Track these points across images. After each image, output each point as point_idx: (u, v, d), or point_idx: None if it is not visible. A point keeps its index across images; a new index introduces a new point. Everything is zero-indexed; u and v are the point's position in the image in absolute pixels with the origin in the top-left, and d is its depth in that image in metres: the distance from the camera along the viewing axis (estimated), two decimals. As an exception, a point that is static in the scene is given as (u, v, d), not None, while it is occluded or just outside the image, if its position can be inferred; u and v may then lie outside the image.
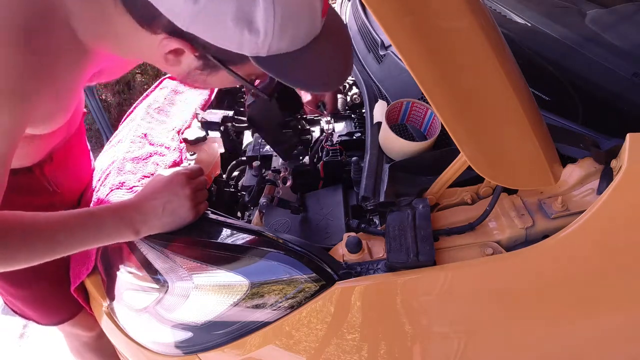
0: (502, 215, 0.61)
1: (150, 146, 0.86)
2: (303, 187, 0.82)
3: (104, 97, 2.72)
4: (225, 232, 0.68)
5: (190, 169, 0.72)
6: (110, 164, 0.92)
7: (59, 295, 0.95)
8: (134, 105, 1.10)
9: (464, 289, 0.57)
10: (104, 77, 0.77)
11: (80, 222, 0.64)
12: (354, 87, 1.10)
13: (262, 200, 0.77)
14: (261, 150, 0.96)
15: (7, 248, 0.57)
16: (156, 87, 1.14)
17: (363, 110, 1.01)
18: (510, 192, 0.64)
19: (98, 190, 0.87)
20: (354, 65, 1.04)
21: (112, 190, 0.82)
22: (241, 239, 0.66)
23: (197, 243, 0.68)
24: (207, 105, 1.09)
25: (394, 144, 0.73)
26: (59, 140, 0.81)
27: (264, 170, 0.87)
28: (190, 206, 0.67)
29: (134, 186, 0.80)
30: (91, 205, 0.84)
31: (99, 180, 0.92)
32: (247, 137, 1.07)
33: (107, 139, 1.14)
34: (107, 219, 0.65)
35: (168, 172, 0.71)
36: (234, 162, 1.06)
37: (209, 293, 0.65)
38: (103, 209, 0.67)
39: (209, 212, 0.73)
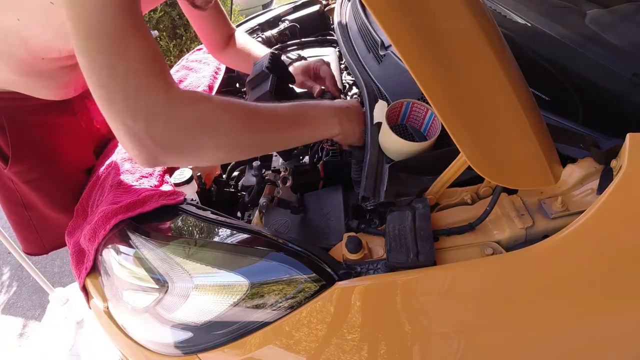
0: (502, 215, 0.61)
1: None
2: (303, 187, 0.82)
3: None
4: (225, 232, 0.68)
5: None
6: (110, 163, 0.93)
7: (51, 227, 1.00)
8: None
9: (464, 289, 0.57)
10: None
11: (293, 108, 0.69)
12: (354, 87, 1.10)
13: (262, 200, 0.77)
14: None
15: (229, 126, 0.59)
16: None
17: (363, 110, 1.01)
18: (510, 192, 0.64)
19: (98, 191, 0.87)
20: (354, 65, 1.04)
21: (112, 189, 0.82)
22: (241, 239, 0.66)
23: (197, 243, 0.68)
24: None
25: (394, 144, 0.73)
26: None
27: (264, 170, 0.87)
28: (361, 134, 0.79)
29: (132, 185, 0.80)
30: (93, 206, 0.84)
31: (99, 180, 0.92)
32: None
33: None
34: (317, 109, 0.72)
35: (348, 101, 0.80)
36: (233, 162, 1.07)
37: (209, 293, 0.65)
38: (305, 103, 0.73)
39: (210, 211, 0.73)
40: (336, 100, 0.80)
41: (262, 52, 1.08)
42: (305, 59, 1.10)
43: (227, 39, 1.09)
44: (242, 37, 1.11)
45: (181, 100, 0.55)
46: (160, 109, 0.54)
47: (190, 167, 0.88)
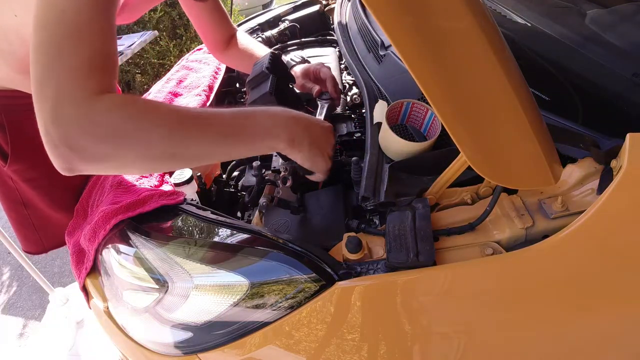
0: (502, 215, 0.61)
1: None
2: (303, 187, 0.82)
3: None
4: (225, 232, 0.68)
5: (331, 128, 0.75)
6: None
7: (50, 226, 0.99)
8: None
9: (464, 289, 0.57)
10: (125, 14, 0.80)
11: (235, 116, 0.62)
12: (354, 87, 1.10)
13: (262, 200, 0.77)
14: None
15: (151, 135, 0.54)
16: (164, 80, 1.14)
17: (363, 110, 1.01)
18: (510, 192, 0.64)
19: (98, 191, 0.87)
20: (354, 65, 1.04)
21: (112, 189, 0.82)
22: (241, 239, 0.66)
23: (197, 243, 0.68)
24: (207, 105, 1.09)
25: (394, 144, 0.73)
26: None
27: (264, 170, 0.87)
28: (328, 162, 0.73)
29: (132, 185, 0.80)
30: (93, 205, 0.84)
31: (99, 180, 0.92)
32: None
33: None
34: (262, 118, 0.64)
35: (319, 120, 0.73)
36: (233, 162, 1.06)
37: (209, 293, 0.65)
38: (256, 109, 0.66)
39: (210, 211, 0.73)
40: (293, 112, 0.69)
41: (264, 52, 1.08)
42: (308, 61, 1.10)
43: (229, 39, 1.09)
44: (244, 38, 1.11)
45: (102, 107, 0.52)
46: (78, 115, 0.51)
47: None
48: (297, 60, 1.08)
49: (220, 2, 1.05)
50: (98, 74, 0.53)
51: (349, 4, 1.39)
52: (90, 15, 0.53)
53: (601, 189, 0.57)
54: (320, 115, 0.90)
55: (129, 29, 2.82)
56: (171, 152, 0.57)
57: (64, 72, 0.51)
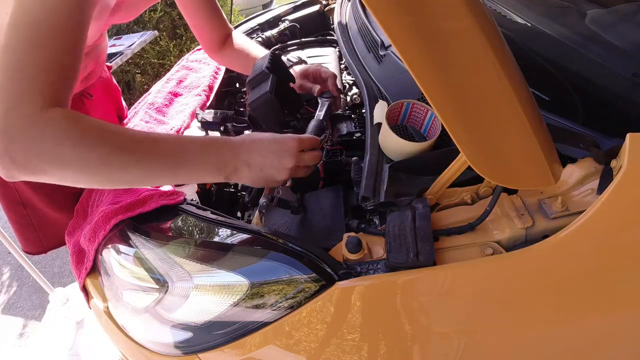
0: (502, 215, 0.61)
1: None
2: (303, 187, 0.82)
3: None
4: (225, 232, 0.68)
5: (307, 138, 0.70)
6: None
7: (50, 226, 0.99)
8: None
9: (464, 289, 0.57)
10: (121, 14, 0.79)
11: (170, 143, 0.60)
12: (354, 87, 1.10)
13: (262, 200, 0.77)
14: None
15: (89, 156, 0.53)
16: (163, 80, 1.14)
17: (363, 110, 1.01)
18: (510, 192, 0.64)
19: (98, 191, 0.87)
20: (354, 65, 1.04)
21: (112, 189, 0.82)
22: (241, 239, 0.66)
23: (197, 243, 0.68)
24: (207, 105, 1.09)
25: (394, 144, 0.73)
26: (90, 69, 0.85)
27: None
28: (286, 176, 0.66)
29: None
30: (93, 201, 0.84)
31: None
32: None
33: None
34: (196, 151, 0.61)
35: (282, 135, 0.68)
36: None
37: (209, 293, 0.65)
38: (195, 139, 0.64)
39: (210, 211, 0.73)
40: (229, 139, 0.66)
41: (260, 53, 1.07)
42: (305, 62, 1.10)
43: (224, 38, 1.08)
44: (239, 38, 1.10)
45: (45, 125, 0.52)
46: (20, 130, 0.51)
47: None
48: (294, 60, 1.08)
49: (217, 1, 1.05)
50: (51, 87, 0.53)
51: (349, 4, 1.39)
52: (56, 25, 0.53)
53: (601, 189, 0.57)
54: (321, 112, 0.90)
55: (129, 29, 2.82)
56: (108, 174, 0.56)
57: (16, 83, 0.51)
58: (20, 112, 0.51)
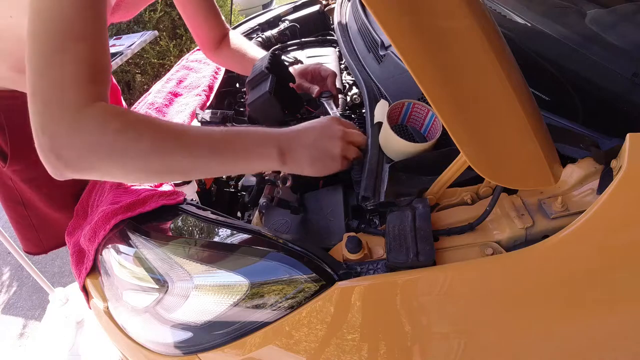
0: (502, 215, 0.61)
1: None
2: (303, 187, 0.82)
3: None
4: (225, 232, 0.68)
5: (347, 122, 0.73)
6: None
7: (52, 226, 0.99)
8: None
9: (464, 289, 0.57)
10: (121, 12, 0.80)
11: (225, 137, 0.61)
12: (354, 87, 1.10)
13: (262, 200, 0.77)
14: None
15: (136, 149, 0.54)
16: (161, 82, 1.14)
17: (363, 110, 1.01)
18: (510, 192, 0.64)
19: (98, 191, 0.87)
20: (354, 65, 1.04)
21: (112, 189, 0.82)
22: (241, 239, 0.66)
23: (197, 243, 0.68)
24: (207, 105, 1.09)
25: (395, 144, 0.73)
26: None
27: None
28: (339, 153, 0.67)
29: (132, 185, 0.80)
30: (94, 200, 0.84)
31: (99, 180, 0.92)
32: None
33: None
34: (253, 137, 0.63)
35: (325, 118, 0.71)
36: None
37: (209, 293, 0.65)
38: (249, 129, 0.65)
39: (210, 211, 0.73)
40: (286, 129, 0.68)
41: (257, 53, 1.07)
42: (301, 62, 1.10)
43: (221, 38, 1.08)
44: (236, 38, 1.10)
45: (90, 119, 0.52)
46: (64, 127, 0.51)
47: None
48: (291, 60, 1.08)
49: (214, 1, 1.05)
50: (87, 85, 0.53)
51: (349, 4, 1.39)
52: (78, 26, 0.53)
53: (601, 189, 0.57)
54: (332, 109, 0.91)
55: (129, 29, 2.82)
56: (157, 167, 0.57)
57: (52, 85, 0.52)
58: (60, 113, 0.51)
